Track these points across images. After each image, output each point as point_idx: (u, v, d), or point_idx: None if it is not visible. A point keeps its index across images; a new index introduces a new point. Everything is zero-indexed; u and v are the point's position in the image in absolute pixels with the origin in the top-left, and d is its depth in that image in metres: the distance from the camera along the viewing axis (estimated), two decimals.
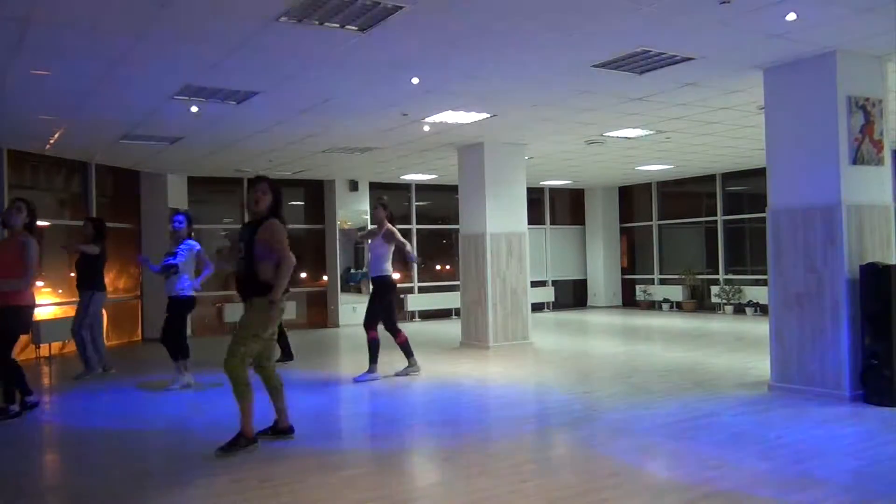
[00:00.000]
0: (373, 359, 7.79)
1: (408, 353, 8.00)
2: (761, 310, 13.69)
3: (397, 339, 7.92)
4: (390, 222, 7.85)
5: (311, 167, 12.38)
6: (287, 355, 9.13)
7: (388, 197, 11.93)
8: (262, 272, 4.86)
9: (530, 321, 10.72)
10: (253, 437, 4.95)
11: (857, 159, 6.24)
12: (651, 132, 9.81)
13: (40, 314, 10.54)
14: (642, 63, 6.44)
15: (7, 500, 4.20)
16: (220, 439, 5.26)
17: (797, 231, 6.44)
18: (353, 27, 5.34)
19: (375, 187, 14.74)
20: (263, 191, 4.99)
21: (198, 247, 7.50)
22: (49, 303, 10.81)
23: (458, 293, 11.67)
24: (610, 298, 17.23)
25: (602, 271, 17.20)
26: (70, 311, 11.12)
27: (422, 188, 15.33)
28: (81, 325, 8.39)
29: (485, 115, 8.54)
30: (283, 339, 8.86)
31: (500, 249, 10.41)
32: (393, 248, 7.82)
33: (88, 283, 8.43)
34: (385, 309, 7.86)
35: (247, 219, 5.41)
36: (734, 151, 11.69)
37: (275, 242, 4.85)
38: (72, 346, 10.88)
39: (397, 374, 7.95)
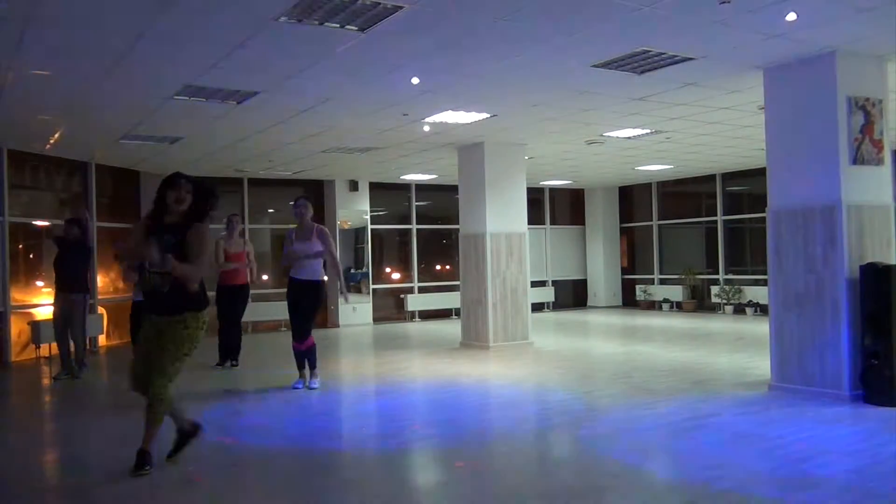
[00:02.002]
0: (313, 365, 7.27)
1: (312, 364, 7.27)
2: (761, 310, 13.68)
3: (305, 344, 7.21)
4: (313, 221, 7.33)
5: (311, 167, 12.38)
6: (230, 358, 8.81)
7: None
8: (191, 283, 4.39)
9: (530, 321, 10.71)
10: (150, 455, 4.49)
11: (857, 159, 6.24)
12: (651, 132, 9.81)
13: (40, 314, 10.52)
14: (642, 63, 6.44)
15: (7, 500, 4.20)
16: (219, 439, 5.26)
17: (797, 231, 6.44)
18: (353, 27, 5.34)
19: (375, 187, 14.75)
20: (188, 190, 4.46)
21: None
22: (49, 303, 10.79)
23: (458, 293, 11.66)
24: (610, 298, 17.23)
25: (602, 271, 17.19)
26: None
27: (422, 188, 15.33)
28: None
29: (485, 115, 8.53)
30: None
31: (500, 249, 10.41)
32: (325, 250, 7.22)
33: (83, 285, 8.25)
34: (314, 313, 7.35)
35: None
36: (734, 151, 11.69)
37: (199, 248, 4.39)
38: (71, 347, 10.88)
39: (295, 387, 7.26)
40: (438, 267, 16.02)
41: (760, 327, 10.31)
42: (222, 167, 12.14)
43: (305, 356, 7.26)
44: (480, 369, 8.47)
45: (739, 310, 14.40)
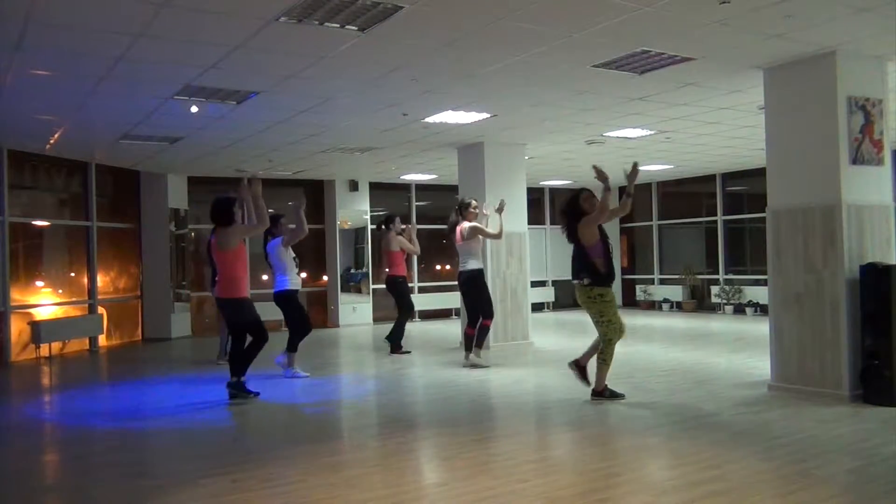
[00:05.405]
0: (479, 344, 8.57)
1: (476, 344, 8.53)
2: (761, 310, 13.68)
3: (482, 324, 8.57)
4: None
5: (311, 167, 12.39)
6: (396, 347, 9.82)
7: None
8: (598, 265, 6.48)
9: (530, 321, 10.71)
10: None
11: (857, 159, 6.24)
12: (651, 132, 9.81)
13: (40, 314, 10.54)
14: (642, 63, 6.44)
15: (7, 500, 4.21)
16: (222, 441, 5.27)
17: (797, 231, 6.44)
18: (353, 27, 5.34)
19: (375, 187, 14.75)
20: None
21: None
22: (49, 303, 10.81)
23: (458, 293, 11.64)
24: None
25: None
26: (70, 311, 11.15)
27: (422, 188, 15.32)
28: None
29: (485, 115, 8.54)
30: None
31: (500, 249, 10.40)
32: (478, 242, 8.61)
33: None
34: (476, 298, 8.65)
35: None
36: (734, 151, 11.69)
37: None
38: (71, 347, 10.93)
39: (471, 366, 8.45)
40: (438, 267, 16.01)
41: (760, 327, 10.31)
42: (222, 167, 12.14)
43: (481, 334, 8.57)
44: (480, 369, 8.46)
45: (739, 310, 14.40)
